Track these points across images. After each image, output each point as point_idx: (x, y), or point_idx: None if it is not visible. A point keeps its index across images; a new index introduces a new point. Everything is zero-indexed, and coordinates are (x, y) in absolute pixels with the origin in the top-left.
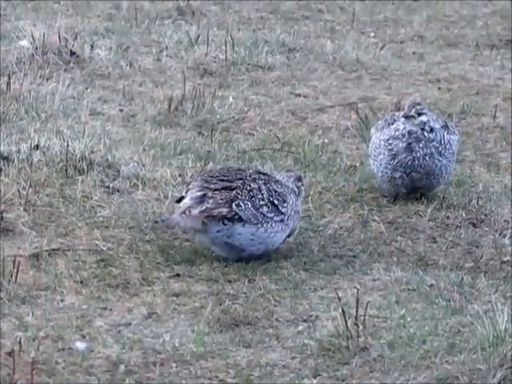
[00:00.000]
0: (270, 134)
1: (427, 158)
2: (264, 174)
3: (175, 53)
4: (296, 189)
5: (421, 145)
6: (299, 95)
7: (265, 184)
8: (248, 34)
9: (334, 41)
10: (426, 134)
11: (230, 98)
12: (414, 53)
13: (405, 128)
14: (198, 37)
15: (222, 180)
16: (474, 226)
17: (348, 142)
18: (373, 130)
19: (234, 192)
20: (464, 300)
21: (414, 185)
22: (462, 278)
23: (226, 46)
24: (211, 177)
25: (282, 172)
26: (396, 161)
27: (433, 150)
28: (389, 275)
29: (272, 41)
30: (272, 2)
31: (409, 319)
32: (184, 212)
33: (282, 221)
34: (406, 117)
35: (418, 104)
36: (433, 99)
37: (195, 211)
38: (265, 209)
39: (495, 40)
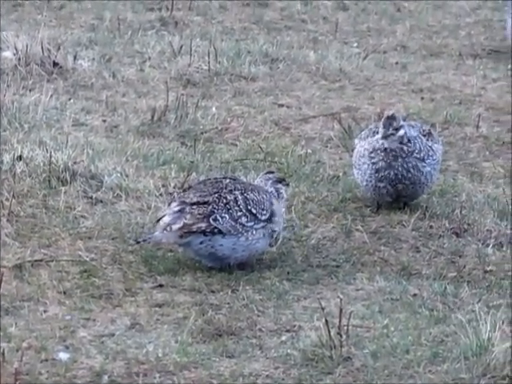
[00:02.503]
0: (253, 144)
1: (412, 169)
2: (241, 183)
3: (158, 63)
4: (275, 192)
5: (400, 161)
6: (282, 105)
7: (241, 194)
8: (231, 45)
9: (317, 51)
10: (405, 148)
11: (213, 109)
12: (396, 63)
13: (383, 145)
14: (181, 47)
15: (199, 195)
16: (457, 235)
17: (331, 151)
18: (356, 140)
19: (210, 207)
20: (447, 309)
21: (399, 194)
22: (445, 288)
23: (208, 57)
24: (188, 192)
25: (262, 174)
26: (380, 174)
27: (415, 161)
28: (372, 285)
29: (255, 51)
30: (255, 12)
31: (392, 329)
32: (165, 229)
33: (263, 227)
34: (386, 137)
35: (393, 119)
36: (416, 109)
37: (175, 227)
38: (243, 219)
39: (478, 50)
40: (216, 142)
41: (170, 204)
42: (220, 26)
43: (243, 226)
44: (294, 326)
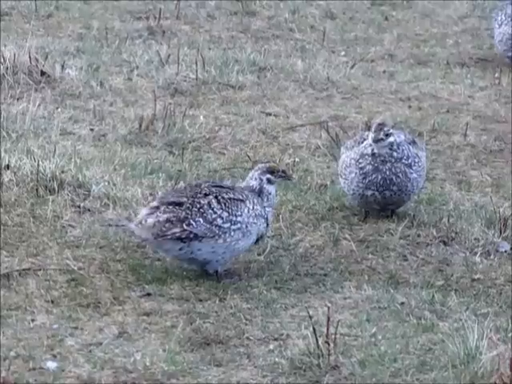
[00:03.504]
0: (240, 153)
1: (400, 175)
2: (217, 187)
3: (146, 72)
4: (257, 185)
5: (388, 165)
6: (270, 114)
7: (216, 197)
8: (218, 54)
9: (305, 60)
10: (394, 154)
11: (201, 118)
12: (384, 71)
13: (372, 150)
14: (169, 56)
15: (177, 196)
16: (445, 243)
17: (319, 160)
18: (342, 150)
19: (184, 213)
20: (435, 318)
21: (386, 202)
22: (433, 296)
23: (196, 66)
24: (168, 193)
25: (256, 166)
26: (367, 180)
27: (403, 167)
28: (360, 293)
29: (242, 60)
30: (242, 21)
31: (380, 337)
32: (140, 222)
33: (239, 229)
34: (376, 141)
35: (384, 125)
36: (403, 117)
37: (149, 221)
38: (219, 221)
39: (465, 58)
40: (204, 150)
41: (150, 202)
42: (207, 35)
43: (219, 227)
44: (282, 334)
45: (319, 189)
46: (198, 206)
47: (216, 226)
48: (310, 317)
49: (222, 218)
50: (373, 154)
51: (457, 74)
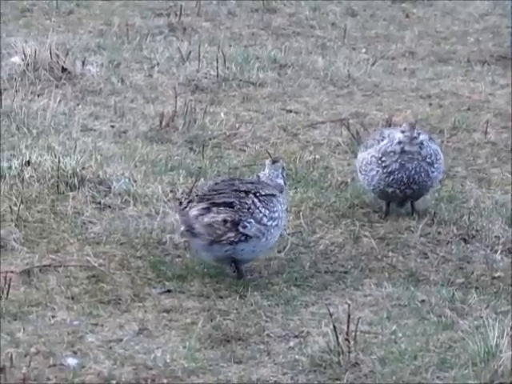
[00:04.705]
0: (261, 149)
1: (422, 174)
2: (250, 183)
3: (166, 69)
4: (282, 184)
5: (415, 163)
6: (290, 111)
7: (255, 195)
8: (239, 50)
9: (326, 57)
10: (422, 152)
11: (222, 114)
12: (405, 69)
13: (402, 148)
14: (190, 53)
15: (223, 195)
16: (465, 241)
17: (339, 157)
18: (361, 148)
19: (237, 214)
20: (455, 316)
21: (405, 197)
22: (453, 294)
23: (217, 62)
24: (209, 191)
25: (268, 164)
26: (391, 178)
27: (426, 166)
28: (380, 291)
29: (263, 57)
30: (263, 18)
31: (400, 335)
32: (196, 218)
33: (277, 225)
34: (412, 139)
35: (415, 124)
36: (424, 115)
37: (206, 219)
38: (264, 219)
39: (486, 56)
40: (224, 147)
41: (189, 202)
42: (228, 32)
43: (266, 226)
44: (302, 331)
45: (339, 186)
46: (247, 206)
47: (263, 225)
48: (331, 314)
49: (266, 216)
50: (402, 152)
51: (477, 71)
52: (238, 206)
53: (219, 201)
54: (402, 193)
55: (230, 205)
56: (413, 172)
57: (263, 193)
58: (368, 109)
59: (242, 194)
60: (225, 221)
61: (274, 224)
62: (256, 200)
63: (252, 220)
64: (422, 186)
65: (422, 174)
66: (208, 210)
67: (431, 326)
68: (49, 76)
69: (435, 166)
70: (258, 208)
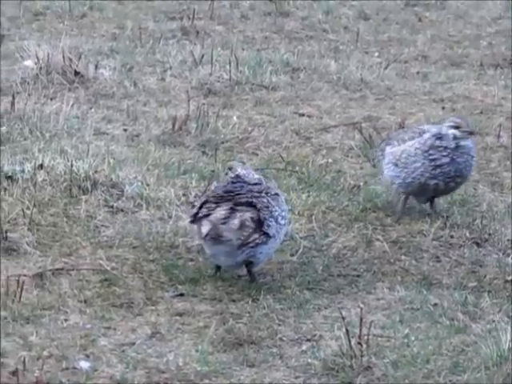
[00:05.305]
0: (273, 153)
1: (468, 168)
2: (256, 184)
3: (179, 72)
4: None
5: (465, 157)
6: (303, 115)
7: (266, 194)
8: (252, 54)
9: (338, 60)
10: (472, 147)
11: (234, 118)
12: (418, 72)
13: (457, 143)
14: (203, 56)
15: (238, 194)
16: (478, 245)
17: (352, 161)
18: (394, 142)
19: (261, 214)
20: (468, 319)
21: (443, 190)
22: (466, 298)
23: (230, 66)
24: (224, 192)
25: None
26: (438, 171)
27: (470, 160)
28: (393, 294)
29: (276, 60)
30: (276, 22)
31: (412, 338)
32: (224, 220)
33: (284, 225)
34: (470, 133)
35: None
36: (437, 119)
37: (234, 222)
38: (279, 218)
39: (499, 59)
40: (237, 151)
41: (200, 207)
42: (241, 36)
43: (280, 225)
44: (315, 335)
45: (352, 190)
46: (265, 205)
47: (278, 224)
48: (343, 318)
49: (280, 216)
50: (457, 147)
51: (490, 75)
52: (260, 206)
53: (242, 200)
54: (445, 185)
55: (251, 204)
56: (461, 166)
57: (273, 192)
58: (381, 112)
59: (256, 194)
60: (252, 219)
61: (283, 223)
62: (269, 199)
63: (272, 219)
64: (464, 180)
65: (467, 168)
66: (232, 210)
67: (444, 329)
68: (62, 79)
69: (473, 160)
70: (273, 207)
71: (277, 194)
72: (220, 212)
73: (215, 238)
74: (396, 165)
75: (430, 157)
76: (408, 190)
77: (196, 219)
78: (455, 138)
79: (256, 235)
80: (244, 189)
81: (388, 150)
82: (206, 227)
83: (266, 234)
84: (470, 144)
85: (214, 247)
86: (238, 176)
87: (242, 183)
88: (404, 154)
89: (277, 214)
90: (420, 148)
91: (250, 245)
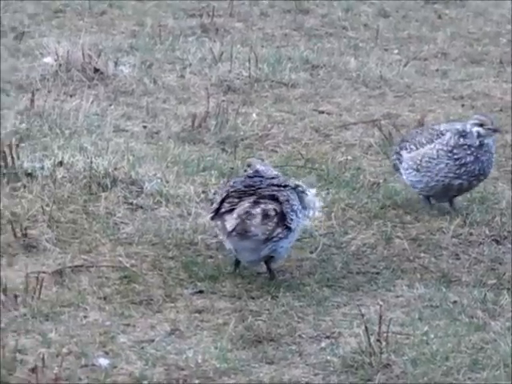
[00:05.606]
0: (293, 150)
1: (490, 165)
2: (273, 178)
3: (199, 70)
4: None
5: (488, 155)
6: (323, 112)
7: (285, 186)
8: (272, 51)
9: (358, 58)
10: (493, 145)
11: (254, 115)
12: (437, 70)
13: (481, 141)
14: (222, 54)
15: (259, 188)
16: (497, 242)
17: (371, 158)
18: (411, 146)
19: (284, 207)
20: (487, 317)
21: (467, 188)
22: (485, 295)
23: (249, 63)
24: (246, 187)
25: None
26: (463, 170)
27: (492, 158)
28: (412, 292)
29: (295, 58)
30: (296, 19)
31: (432, 336)
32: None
33: (301, 218)
34: (495, 131)
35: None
36: (456, 116)
37: (259, 216)
38: (298, 212)
39: None
40: (256, 148)
41: (222, 202)
42: (261, 33)
43: (298, 219)
44: (334, 332)
45: (371, 187)
46: (286, 198)
47: (298, 217)
48: (362, 315)
49: (299, 210)
50: (481, 145)
51: (510, 72)
52: (282, 199)
53: (265, 194)
54: (469, 184)
55: (274, 198)
56: (485, 164)
57: (292, 184)
58: (400, 110)
59: (276, 188)
60: (276, 212)
61: (301, 216)
62: (289, 193)
63: (293, 213)
64: (486, 177)
65: (489, 166)
66: (256, 204)
67: (463, 327)
68: (81, 76)
69: (493, 157)
70: (293, 200)
71: (293, 189)
72: (244, 206)
73: (242, 233)
74: (417, 170)
75: (455, 156)
76: (431, 193)
77: (218, 215)
78: (479, 135)
79: (279, 229)
80: (264, 182)
81: (405, 155)
82: (231, 222)
83: (288, 228)
84: (492, 142)
85: (240, 243)
86: (256, 171)
87: (260, 177)
88: (425, 158)
89: (296, 207)
90: (443, 149)
91: (274, 239)
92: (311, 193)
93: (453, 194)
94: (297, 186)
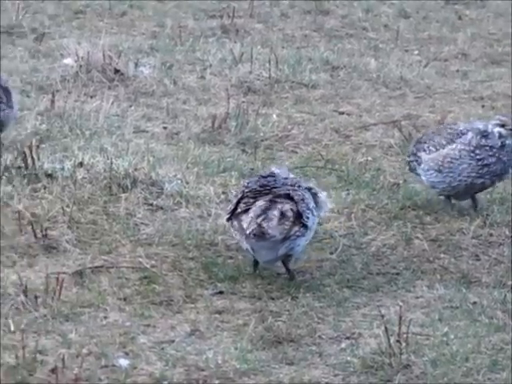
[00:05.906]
0: (313, 151)
1: (510, 165)
2: (286, 178)
3: (219, 71)
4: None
5: (509, 156)
6: (343, 113)
7: (299, 186)
8: (292, 52)
9: (378, 59)
10: None
11: (274, 116)
12: (457, 71)
13: (502, 142)
14: (242, 55)
15: (274, 187)
16: None
17: (391, 159)
18: (431, 148)
19: (299, 205)
20: (507, 317)
21: (487, 187)
22: (505, 296)
23: (269, 64)
24: (260, 186)
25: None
26: (485, 170)
27: None
28: (432, 293)
29: (316, 59)
30: (316, 20)
31: (452, 337)
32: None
33: (315, 217)
34: None
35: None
36: (476, 117)
37: (276, 216)
38: (314, 211)
39: None
40: (276, 149)
41: (238, 202)
42: (281, 34)
43: (314, 218)
44: (354, 333)
45: (391, 188)
46: (301, 197)
47: (313, 216)
48: (382, 316)
49: (314, 208)
50: (502, 146)
51: None
52: (297, 197)
53: (280, 193)
54: (492, 183)
55: (289, 196)
56: (507, 164)
57: (305, 186)
58: (420, 111)
59: (290, 187)
60: (292, 211)
61: (316, 214)
62: (303, 192)
63: (309, 211)
64: (507, 176)
65: (510, 165)
66: (272, 203)
67: (483, 327)
68: (101, 77)
69: None
70: (307, 199)
71: (307, 189)
72: (260, 204)
73: (259, 235)
74: (439, 171)
75: (477, 157)
76: (453, 193)
77: (234, 215)
78: (501, 136)
79: (296, 227)
80: (278, 182)
81: (425, 156)
82: (248, 224)
83: (305, 226)
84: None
85: (257, 243)
86: (271, 172)
87: (274, 177)
88: (447, 159)
89: (311, 206)
90: (465, 149)
91: (292, 237)
92: (323, 194)
93: (475, 192)
94: (310, 188)
